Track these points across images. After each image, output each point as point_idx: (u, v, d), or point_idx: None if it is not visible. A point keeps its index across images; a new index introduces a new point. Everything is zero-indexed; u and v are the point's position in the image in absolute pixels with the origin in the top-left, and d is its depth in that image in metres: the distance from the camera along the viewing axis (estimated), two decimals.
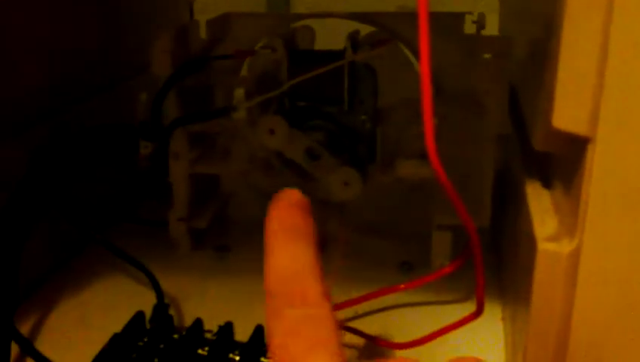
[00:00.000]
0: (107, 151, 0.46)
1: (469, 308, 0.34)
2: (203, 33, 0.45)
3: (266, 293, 0.22)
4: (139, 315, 0.35)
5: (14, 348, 0.34)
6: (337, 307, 0.31)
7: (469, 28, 0.41)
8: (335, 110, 0.42)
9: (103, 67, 0.51)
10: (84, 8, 0.48)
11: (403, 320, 0.38)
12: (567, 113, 0.22)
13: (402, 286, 0.37)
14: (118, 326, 0.34)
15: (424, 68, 0.22)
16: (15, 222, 0.38)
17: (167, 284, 0.40)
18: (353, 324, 0.36)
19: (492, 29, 0.42)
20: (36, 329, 0.38)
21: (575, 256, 0.23)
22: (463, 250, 0.38)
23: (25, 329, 0.37)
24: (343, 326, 0.35)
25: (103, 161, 0.46)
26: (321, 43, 0.46)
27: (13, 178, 0.39)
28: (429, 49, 0.22)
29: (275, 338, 0.21)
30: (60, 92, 0.45)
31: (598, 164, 0.22)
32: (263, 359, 0.33)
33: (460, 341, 0.35)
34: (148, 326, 0.36)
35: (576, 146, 0.23)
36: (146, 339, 0.35)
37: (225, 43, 0.44)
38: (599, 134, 0.22)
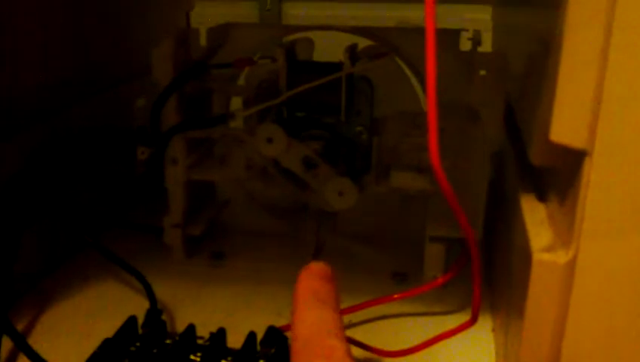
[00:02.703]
0: (104, 155, 0.46)
1: (461, 318, 0.34)
2: (203, 42, 0.45)
3: (292, 345, 0.24)
4: (131, 320, 0.35)
5: (7, 344, 0.34)
6: None
7: (464, 45, 0.42)
8: (332, 120, 0.43)
9: (101, 70, 0.51)
10: (84, 10, 0.49)
11: (396, 329, 0.38)
12: (565, 126, 0.23)
13: (395, 296, 0.38)
14: (110, 331, 0.34)
15: (430, 84, 0.22)
16: (9, 220, 0.37)
17: (160, 290, 0.40)
18: (347, 333, 0.36)
19: (484, 47, 0.43)
20: (27, 332, 0.38)
21: (570, 266, 0.24)
22: (456, 261, 0.38)
23: None
24: None
25: (100, 165, 0.46)
26: (320, 55, 0.47)
27: None
28: (435, 66, 0.22)
29: None
30: (58, 94, 0.45)
31: (595, 176, 0.22)
32: None
33: (450, 352, 0.35)
34: (140, 331, 0.35)
35: (573, 159, 0.23)
36: (138, 344, 0.34)
37: (225, 51, 0.44)
38: (597, 147, 0.22)
